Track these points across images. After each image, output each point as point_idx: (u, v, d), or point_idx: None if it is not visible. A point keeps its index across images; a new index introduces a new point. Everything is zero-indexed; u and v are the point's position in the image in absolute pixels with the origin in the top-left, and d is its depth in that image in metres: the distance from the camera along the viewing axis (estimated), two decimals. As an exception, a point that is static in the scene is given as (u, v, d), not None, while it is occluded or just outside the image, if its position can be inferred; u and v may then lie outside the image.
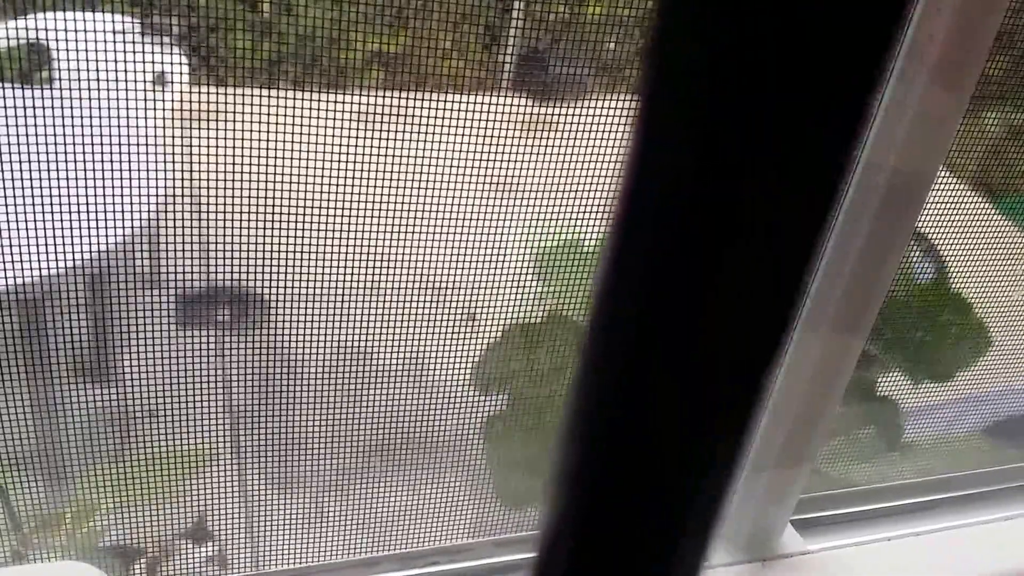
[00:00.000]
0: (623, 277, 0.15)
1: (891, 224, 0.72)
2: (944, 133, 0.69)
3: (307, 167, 0.71)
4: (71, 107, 0.62)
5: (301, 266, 0.77)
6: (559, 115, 0.78)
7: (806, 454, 0.84)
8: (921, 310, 1.07)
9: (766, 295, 0.14)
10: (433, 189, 0.77)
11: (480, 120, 0.72)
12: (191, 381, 0.81)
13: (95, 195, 0.66)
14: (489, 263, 0.81)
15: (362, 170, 0.72)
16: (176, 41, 0.70)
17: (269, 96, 0.68)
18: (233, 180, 0.70)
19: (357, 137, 0.70)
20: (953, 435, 1.22)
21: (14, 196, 0.65)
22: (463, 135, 0.72)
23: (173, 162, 0.72)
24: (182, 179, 0.74)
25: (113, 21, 0.63)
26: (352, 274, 0.78)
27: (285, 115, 0.68)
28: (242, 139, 0.68)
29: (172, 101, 0.73)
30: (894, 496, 1.06)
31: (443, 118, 0.72)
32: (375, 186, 0.73)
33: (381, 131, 0.72)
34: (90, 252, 0.69)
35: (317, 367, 0.84)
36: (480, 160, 0.74)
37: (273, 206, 0.72)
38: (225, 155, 0.68)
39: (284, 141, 0.69)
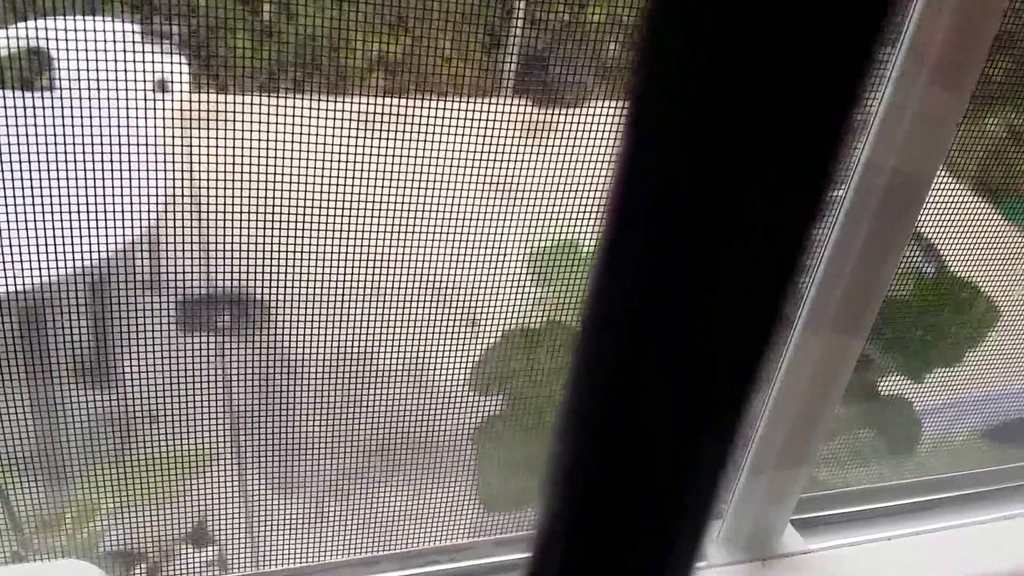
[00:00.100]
0: (615, 277, 0.15)
1: (891, 224, 0.72)
2: (944, 133, 0.70)
3: (308, 170, 0.71)
4: (72, 112, 0.62)
5: (302, 269, 0.77)
6: (560, 118, 0.78)
7: (806, 454, 0.84)
8: (921, 309, 1.07)
9: (758, 295, 0.15)
10: (434, 191, 0.77)
11: (481, 123, 0.72)
12: (191, 383, 0.81)
13: (96, 199, 0.67)
14: (490, 264, 0.81)
15: (363, 173, 0.72)
16: (177, 45, 0.70)
17: (270, 100, 0.68)
18: (234, 184, 0.70)
19: (358, 140, 0.71)
20: (953, 436, 1.22)
21: (16, 200, 0.65)
22: (464, 138, 0.73)
23: (174, 166, 0.73)
24: (183, 183, 0.75)
25: (114, 25, 0.64)
26: (353, 277, 0.78)
27: (286, 118, 0.68)
28: (243, 143, 0.68)
29: (173, 105, 0.73)
30: (894, 496, 1.06)
31: (444, 121, 0.72)
32: (376, 189, 0.73)
33: (382, 134, 0.72)
34: (92, 256, 0.69)
35: (317, 369, 0.84)
36: (481, 162, 0.74)
37: (274, 209, 0.73)
38: (226, 159, 0.68)
39: (285, 144, 0.69)
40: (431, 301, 0.86)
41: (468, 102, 0.72)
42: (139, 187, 0.68)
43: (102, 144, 0.65)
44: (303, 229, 0.75)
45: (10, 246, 0.67)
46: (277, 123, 0.68)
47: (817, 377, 0.79)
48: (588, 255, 0.84)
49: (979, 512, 1.06)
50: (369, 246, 0.76)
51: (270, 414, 0.87)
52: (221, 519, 0.89)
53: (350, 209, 0.74)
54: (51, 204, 0.65)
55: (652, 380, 0.15)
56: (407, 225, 0.78)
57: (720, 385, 0.15)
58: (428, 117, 0.72)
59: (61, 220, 0.67)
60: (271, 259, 0.76)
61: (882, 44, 0.13)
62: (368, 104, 0.73)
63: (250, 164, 0.69)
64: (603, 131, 0.76)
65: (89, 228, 0.68)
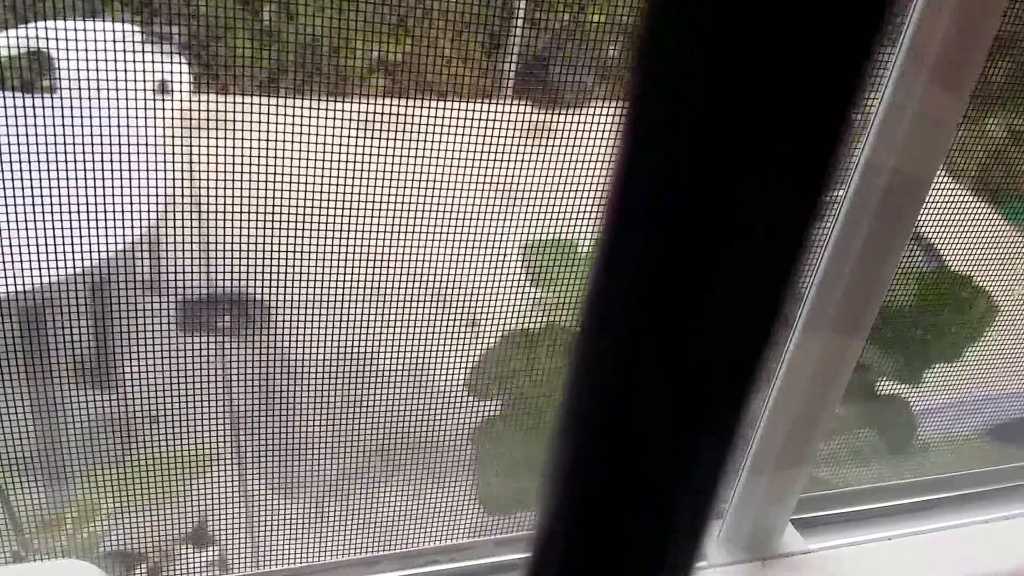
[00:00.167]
0: (615, 277, 0.15)
1: (891, 225, 0.72)
2: (944, 134, 0.70)
3: (308, 171, 0.71)
4: (73, 113, 0.62)
5: (302, 270, 0.77)
6: (560, 119, 0.78)
7: (806, 454, 0.85)
8: (921, 309, 1.07)
9: (758, 295, 0.15)
10: (434, 192, 0.77)
11: (481, 124, 0.72)
12: (192, 383, 0.81)
13: (97, 200, 0.67)
14: (490, 265, 0.81)
15: (363, 174, 0.72)
16: (178, 48, 0.70)
17: (270, 101, 0.68)
18: (234, 185, 0.70)
19: (358, 141, 0.71)
20: (953, 437, 1.22)
21: (17, 201, 0.65)
22: (464, 139, 0.73)
23: (175, 167, 0.73)
24: (184, 184, 0.75)
25: (115, 27, 0.64)
26: (353, 277, 0.78)
27: (286, 120, 0.68)
28: (243, 144, 0.68)
29: (174, 107, 0.73)
30: (894, 496, 1.06)
31: (444, 122, 0.72)
32: (376, 190, 0.73)
33: (382, 135, 0.72)
34: (93, 256, 0.69)
35: (317, 369, 0.84)
36: (481, 163, 0.74)
37: (274, 210, 0.73)
38: (226, 160, 0.68)
39: (285, 146, 0.69)
40: (431, 301, 0.86)
41: (468, 103, 0.72)
42: (140, 188, 0.68)
43: (103, 145, 0.65)
44: (303, 230, 0.75)
45: (11, 246, 0.67)
46: (277, 124, 0.68)
47: (817, 377, 0.79)
48: (587, 255, 0.84)
49: (979, 512, 1.06)
50: (369, 247, 0.76)
51: (270, 414, 0.87)
52: (221, 519, 0.89)
53: (350, 210, 0.74)
54: (52, 205, 0.66)
55: (652, 380, 0.15)
56: (407, 226, 0.78)
57: (720, 385, 0.15)
58: (428, 118, 0.72)
59: (62, 221, 0.67)
60: (271, 260, 0.76)
61: (882, 44, 0.13)
62: (368, 105, 0.73)
63: (250, 165, 0.69)
64: (603, 132, 0.76)
65: (90, 229, 0.68)
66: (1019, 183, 1.03)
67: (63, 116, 0.62)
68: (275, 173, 0.70)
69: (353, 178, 0.72)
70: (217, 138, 0.68)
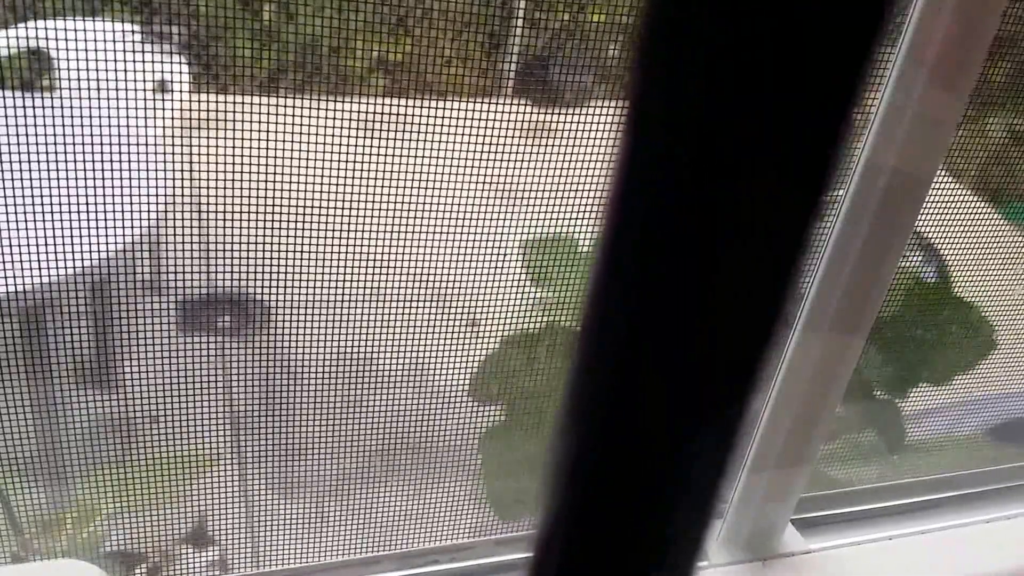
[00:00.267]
0: (615, 277, 0.15)
1: (891, 224, 0.72)
2: (944, 133, 0.70)
3: (308, 171, 0.71)
4: (73, 113, 0.62)
5: (302, 270, 0.77)
6: (560, 118, 0.78)
7: (806, 454, 0.84)
8: (921, 309, 1.07)
9: (758, 295, 0.15)
10: (435, 192, 0.77)
11: (481, 124, 0.72)
12: (192, 384, 0.81)
13: (97, 200, 0.67)
14: (490, 264, 0.81)
15: (363, 174, 0.72)
16: (178, 48, 0.70)
17: (270, 101, 0.68)
18: (234, 185, 0.70)
19: (358, 141, 0.71)
20: (954, 437, 1.22)
21: (17, 201, 0.65)
22: (464, 139, 0.73)
23: (175, 167, 0.73)
24: (183, 184, 0.75)
25: (114, 27, 0.64)
26: (353, 278, 0.78)
27: (286, 120, 0.68)
28: (243, 144, 0.68)
29: (173, 106, 0.73)
30: (895, 495, 1.06)
31: (444, 122, 0.72)
32: (376, 190, 0.73)
33: (382, 135, 0.72)
34: (93, 256, 0.69)
35: (318, 369, 0.84)
36: (481, 163, 0.74)
37: (274, 210, 0.73)
38: (226, 160, 0.68)
39: (285, 145, 0.69)
40: (431, 301, 0.86)
41: (468, 103, 0.72)
42: (140, 188, 0.68)
43: (103, 145, 0.65)
44: (303, 230, 0.75)
45: (11, 246, 0.67)
46: (277, 124, 0.68)
47: (817, 377, 0.79)
48: (588, 253, 0.84)
49: (980, 512, 1.06)
50: (369, 247, 0.76)
51: (270, 414, 0.87)
52: (221, 520, 0.89)
53: (350, 210, 0.74)
54: (52, 205, 0.66)
55: (652, 380, 0.15)
56: (407, 226, 0.78)
57: (720, 385, 0.15)
58: (428, 118, 0.72)
59: (62, 221, 0.67)
60: (271, 260, 0.76)
61: (881, 44, 0.13)
62: (368, 105, 0.73)
63: (250, 165, 0.69)
64: (603, 132, 0.76)
65: (90, 229, 0.68)
66: (1019, 183, 1.03)
67: (63, 116, 0.62)
68: (275, 173, 0.70)
69: (353, 178, 0.72)
70: (217, 138, 0.68)
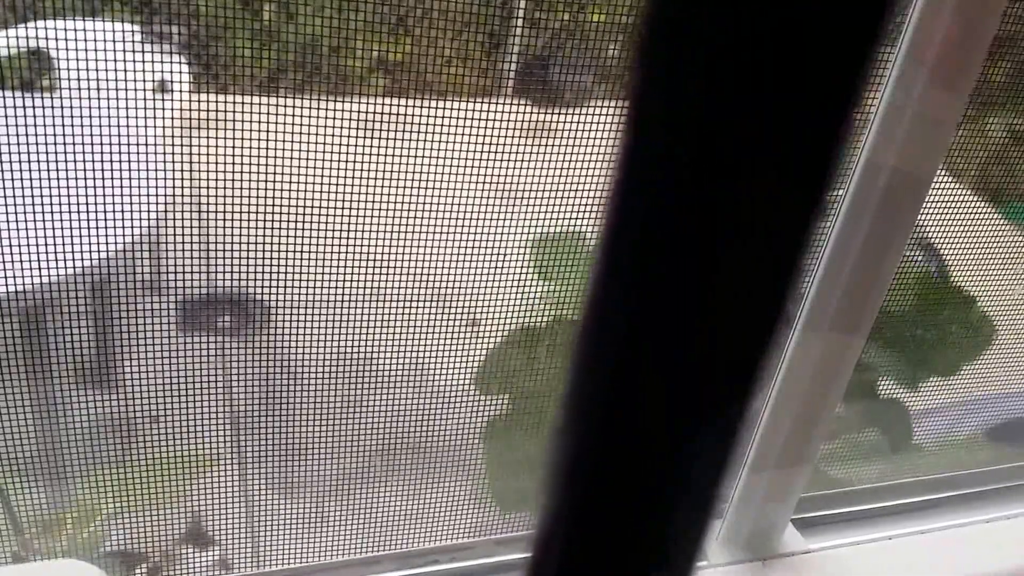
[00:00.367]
0: (615, 277, 0.15)
1: (891, 224, 0.72)
2: (944, 133, 0.70)
3: (308, 171, 0.71)
4: (73, 113, 0.62)
5: (303, 270, 0.77)
6: (560, 118, 0.78)
7: (806, 454, 0.84)
8: (921, 308, 1.07)
9: (757, 295, 0.15)
10: (435, 192, 0.77)
11: (481, 123, 0.72)
12: (192, 384, 0.81)
13: (98, 200, 0.67)
14: (491, 264, 0.81)
15: (363, 174, 0.72)
16: (178, 48, 0.70)
17: (271, 101, 0.68)
18: (235, 184, 0.70)
19: (358, 141, 0.71)
20: (955, 437, 1.22)
21: (17, 201, 0.65)
22: (465, 138, 0.73)
23: (175, 167, 0.73)
24: (184, 184, 0.75)
25: (115, 27, 0.64)
26: (354, 277, 0.78)
27: (286, 119, 0.68)
28: (243, 144, 0.68)
29: (174, 106, 0.73)
30: (894, 495, 1.06)
31: (445, 122, 0.72)
32: (376, 190, 0.73)
33: (383, 135, 0.72)
34: (93, 256, 0.69)
35: (318, 369, 0.84)
36: (481, 163, 0.74)
37: (275, 210, 0.73)
38: (226, 160, 0.68)
39: (286, 145, 0.69)
40: (431, 301, 0.86)
41: (468, 103, 0.72)
42: (140, 188, 0.68)
43: (103, 145, 0.65)
44: (304, 230, 0.75)
45: (11, 246, 0.67)
46: (277, 124, 0.68)
47: (817, 376, 0.79)
48: (589, 252, 0.84)
49: (980, 511, 1.06)
50: (370, 247, 0.76)
51: (270, 414, 0.87)
52: (222, 521, 0.89)
53: (351, 210, 0.74)
54: (52, 205, 0.66)
55: (652, 379, 0.15)
56: (408, 226, 0.78)
57: (720, 384, 0.15)
58: (428, 118, 0.72)
59: (62, 221, 0.67)
60: (272, 260, 0.76)
61: (881, 44, 0.13)
62: (369, 105, 0.73)
63: (251, 165, 0.69)
64: (603, 131, 0.76)
65: (90, 229, 0.68)
66: (1020, 183, 1.03)
67: (63, 116, 0.62)
68: (275, 173, 0.70)
69: (353, 178, 0.72)
70: (217, 138, 0.68)
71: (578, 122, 0.76)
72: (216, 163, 0.69)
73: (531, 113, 0.79)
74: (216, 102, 0.68)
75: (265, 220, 0.73)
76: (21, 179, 0.64)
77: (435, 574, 0.89)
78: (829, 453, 1.14)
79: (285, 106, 0.68)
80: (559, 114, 0.78)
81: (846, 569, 0.91)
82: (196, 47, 0.70)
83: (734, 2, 0.13)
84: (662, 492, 0.16)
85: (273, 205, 0.72)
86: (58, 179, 0.65)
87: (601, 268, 0.15)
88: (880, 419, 1.16)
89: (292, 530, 0.95)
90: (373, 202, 0.74)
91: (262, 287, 0.77)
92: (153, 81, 0.67)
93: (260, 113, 0.67)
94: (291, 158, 0.70)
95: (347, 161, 0.71)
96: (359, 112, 0.71)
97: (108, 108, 0.64)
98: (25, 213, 0.65)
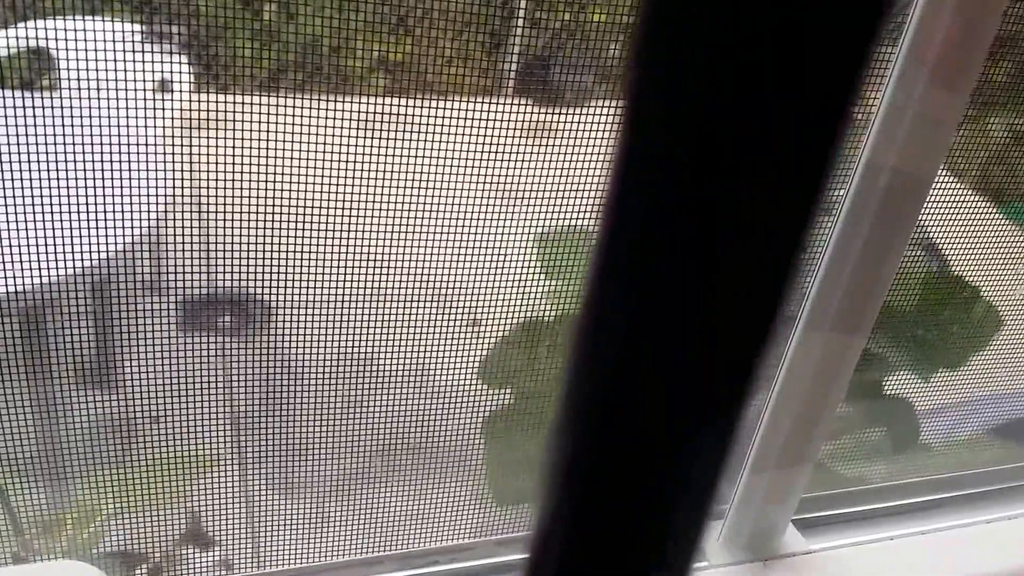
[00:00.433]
0: (614, 277, 0.15)
1: (891, 224, 0.72)
2: (944, 133, 0.69)
3: (309, 171, 0.71)
4: (74, 112, 0.63)
5: (304, 270, 0.77)
6: (561, 118, 0.78)
7: (807, 454, 0.84)
8: (923, 308, 1.07)
9: (756, 295, 0.15)
10: (436, 192, 0.77)
11: (482, 123, 0.72)
12: (193, 384, 0.81)
13: (98, 199, 0.67)
14: (492, 264, 0.81)
15: (364, 174, 0.72)
16: (179, 47, 0.70)
17: (272, 100, 0.68)
18: (236, 184, 0.70)
19: (359, 141, 0.71)
20: (956, 437, 1.22)
21: (18, 201, 0.65)
22: (465, 138, 0.73)
23: (176, 166, 0.73)
24: (185, 183, 0.75)
25: (115, 26, 0.64)
26: (355, 278, 0.78)
27: (287, 119, 0.68)
28: (244, 143, 0.68)
29: (175, 106, 0.73)
30: (896, 495, 1.06)
31: (445, 121, 0.72)
32: (377, 190, 0.73)
33: (383, 135, 0.72)
34: (93, 256, 0.69)
35: (319, 369, 0.84)
36: (482, 163, 0.74)
37: (276, 210, 0.73)
38: (227, 159, 0.68)
39: (286, 145, 0.69)
40: (432, 301, 0.86)
41: (469, 103, 0.72)
42: (141, 187, 0.68)
43: (104, 145, 0.65)
44: (305, 230, 0.75)
45: (11, 246, 0.67)
46: (278, 124, 0.68)
47: (818, 376, 0.79)
48: (589, 251, 0.84)
49: (981, 512, 1.06)
50: (370, 247, 0.76)
51: (272, 415, 0.87)
52: (223, 521, 0.89)
53: (352, 210, 0.74)
54: (53, 204, 0.66)
55: (651, 379, 0.15)
56: (409, 226, 0.78)
57: (719, 384, 0.15)
58: (429, 118, 0.72)
59: (63, 220, 0.67)
60: (273, 260, 0.76)
61: (880, 44, 0.13)
62: (369, 105, 0.73)
63: (252, 165, 0.69)
64: (604, 131, 0.76)
65: (91, 228, 0.68)
66: (1021, 183, 1.03)
67: (64, 115, 0.62)
68: (276, 173, 0.70)
69: (354, 178, 0.72)
70: (218, 137, 0.68)
71: (579, 122, 0.76)
72: (217, 163, 0.69)
73: (532, 113, 0.79)
74: (217, 102, 0.68)
75: (266, 220, 0.73)
76: (21, 179, 0.64)
77: (435, 574, 0.89)
78: (833, 452, 1.14)
79: (286, 106, 0.68)
80: (560, 114, 0.78)
81: (847, 569, 0.91)
82: (197, 47, 0.70)
83: (733, 2, 0.12)
84: (661, 492, 0.16)
85: (274, 205, 0.72)
86: (58, 179, 0.65)
87: (600, 268, 0.15)
88: (886, 418, 1.16)
89: (293, 530, 0.95)
90: (374, 202, 0.74)
91: (263, 287, 0.77)
92: (154, 81, 0.67)
93: (261, 113, 0.67)
94: (292, 158, 0.70)
95: (348, 161, 0.71)
96: (360, 112, 0.71)
97: (109, 108, 0.64)
98: (25, 213, 0.65)
